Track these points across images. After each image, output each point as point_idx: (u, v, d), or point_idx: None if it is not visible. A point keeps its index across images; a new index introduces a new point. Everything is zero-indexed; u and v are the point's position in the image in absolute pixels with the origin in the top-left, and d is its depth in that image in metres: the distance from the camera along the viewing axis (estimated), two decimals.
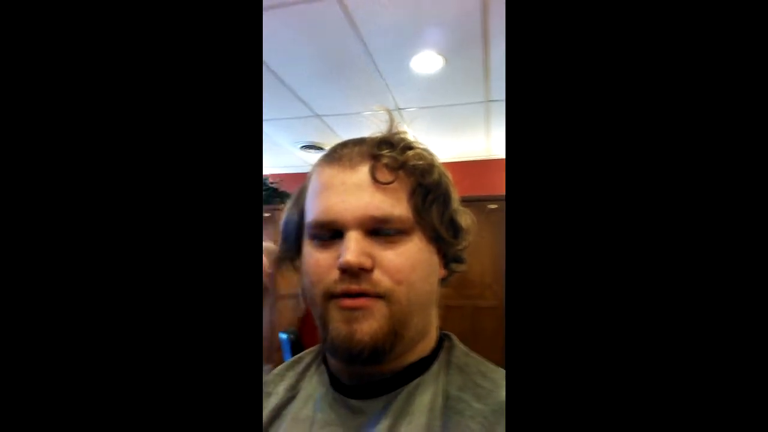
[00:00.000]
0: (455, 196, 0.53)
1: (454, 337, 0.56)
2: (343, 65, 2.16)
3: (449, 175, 0.54)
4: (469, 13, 1.72)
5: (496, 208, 2.84)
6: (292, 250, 0.54)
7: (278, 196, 3.23)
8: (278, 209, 2.94)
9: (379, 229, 0.47)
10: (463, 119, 2.77)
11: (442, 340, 0.54)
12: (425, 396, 0.47)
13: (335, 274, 0.46)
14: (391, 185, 0.47)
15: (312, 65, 2.17)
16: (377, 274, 0.45)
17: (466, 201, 0.55)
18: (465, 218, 0.53)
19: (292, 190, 0.57)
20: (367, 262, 0.45)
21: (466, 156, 3.32)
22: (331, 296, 0.47)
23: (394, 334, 0.46)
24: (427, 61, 2.10)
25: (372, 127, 0.52)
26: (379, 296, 0.46)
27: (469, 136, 3.03)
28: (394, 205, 0.47)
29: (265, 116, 2.85)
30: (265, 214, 2.98)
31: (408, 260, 0.47)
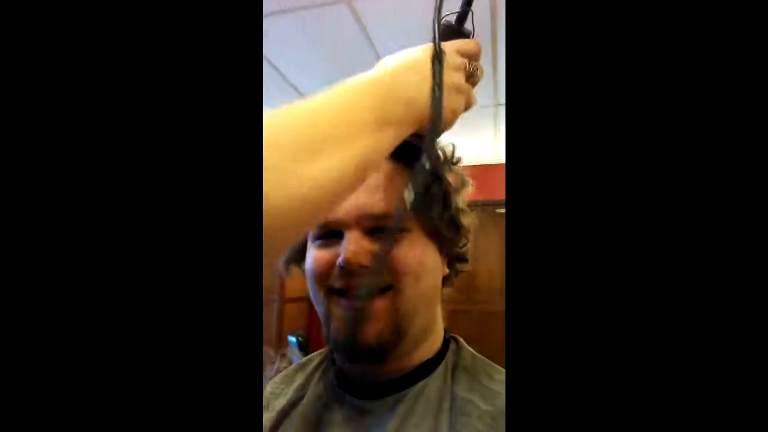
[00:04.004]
0: (456, 194, 0.53)
1: (461, 340, 0.56)
2: (354, 70, 2.17)
3: (462, 173, 0.54)
4: (477, 16, 1.72)
5: (504, 213, 2.82)
6: (297, 253, 0.55)
7: None
8: None
9: (378, 227, 0.47)
10: (471, 123, 2.77)
11: (448, 342, 0.55)
12: (432, 397, 0.48)
13: (335, 271, 0.46)
14: (390, 183, 0.48)
15: (323, 70, 2.18)
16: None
17: (474, 205, 0.56)
18: (466, 217, 0.53)
19: None
20: (365, 260, 0.45)
21: (475, 160, 3.30)
22: (332, 292, 0.47)
23: (398, 331, 0.46)
24: None
25: None
26: (383, 290, 0.46)
27: (478, 140, 3.03)
28: (392, 203, 0.47)
29: None
30: None
31: (409, 253, 0.47)
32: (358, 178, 0.35)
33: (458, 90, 0.43)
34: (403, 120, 0.37)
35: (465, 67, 0.44)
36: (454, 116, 0.43)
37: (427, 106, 0.38)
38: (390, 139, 0.37)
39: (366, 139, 0.35)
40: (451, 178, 0.52)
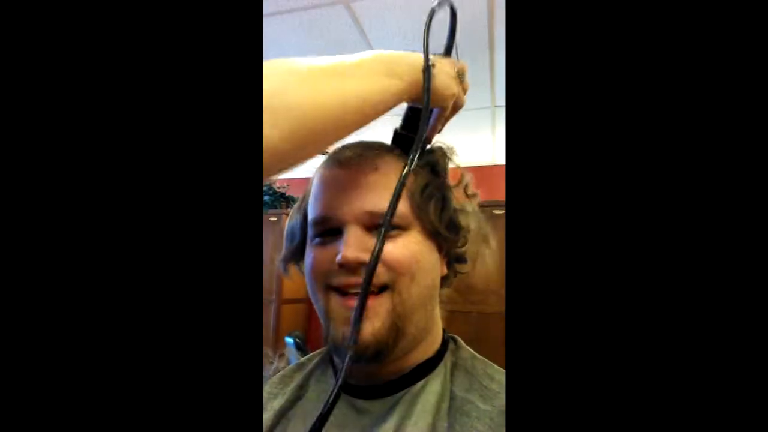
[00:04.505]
0: (454, 195, 0.54)
1: (460, 340, 0.56)
2: None
3: (467, 175, 0.56)
4: (475, 18, 1.73)
5: (501, 214, 2.82)
6: (296, 253, 0.55)
7: (285, 200, 3.24)
8: (285, 213, 2.95)
9: (377, 225, 0.47)
10: (468, 125, 2.77)
11: (447, 342, 0.55)
12: (431, 397, 0.48)
13: (335, 268, 0.46)
14: (389, 181, 0.48)
15: None
16: (378, 267, 0.46)
17: None
18: (464, 218, 0.54)
19: (299, 194, 0.59)
20: (364, 257, 0.45)
21: (472, 162, 3.31)
22: (330, 289, 0.47)
23: (396, 329, 0.46)
24: None
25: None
26: (381, 288, 0.46)
27: (475, 141, 3.03)
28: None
29: None
30: (272, 219, 2.98)
31: (408, 252, 0.47)
32: (371, 107, 0.43)
33: (453, 78, 0.51)
34: (404, 77, 0.45)
35: (455, 71, 0.53)
36: (450, 95, 0.51)
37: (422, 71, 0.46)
38: (396, 89, 0.45)
39: (377, 80, 0.43)
40: (457, 192, 0.54)
